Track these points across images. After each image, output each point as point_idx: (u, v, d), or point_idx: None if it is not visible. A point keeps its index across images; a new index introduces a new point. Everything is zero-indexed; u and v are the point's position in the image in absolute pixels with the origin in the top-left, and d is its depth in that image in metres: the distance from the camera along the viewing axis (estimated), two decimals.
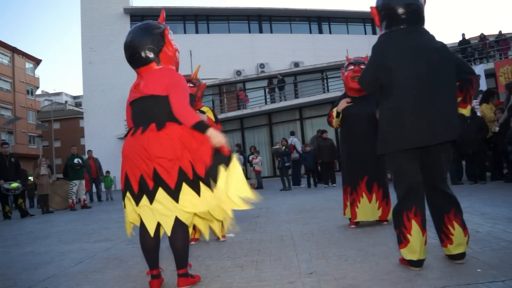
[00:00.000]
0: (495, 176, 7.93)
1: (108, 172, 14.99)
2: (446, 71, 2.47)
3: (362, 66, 4.28)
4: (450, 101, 2.47)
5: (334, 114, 4.32)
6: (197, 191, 2.41)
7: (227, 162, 2.43)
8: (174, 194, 2.40)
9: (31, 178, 14.05)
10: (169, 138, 2.42)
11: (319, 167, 11.41)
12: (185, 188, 2.40)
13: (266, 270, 2.85)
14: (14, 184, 9.48)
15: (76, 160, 11.13)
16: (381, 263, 2.75)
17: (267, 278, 2.66)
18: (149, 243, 2.51)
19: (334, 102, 4.50)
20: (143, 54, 2.57)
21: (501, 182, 7.40)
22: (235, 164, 2.45)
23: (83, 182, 11.41)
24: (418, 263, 2.49)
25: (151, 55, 2.58)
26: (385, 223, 4.25)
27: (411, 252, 2.49)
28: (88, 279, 3.10)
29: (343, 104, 4.26)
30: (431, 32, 2.60)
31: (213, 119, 4.14)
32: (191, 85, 4.09)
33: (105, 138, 23.59)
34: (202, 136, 2.42)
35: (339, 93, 19.06)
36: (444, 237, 2.55)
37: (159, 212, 2.42)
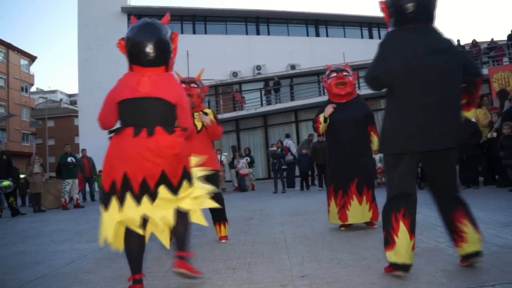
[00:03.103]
0: (488, 181, 7.98)
1: (101, 171, 14.85)
2: (451, 74, 2.39)
3: (345, 73, 4.39)
4: (452, 105, 2.40)
5: (321, 119, 4.37)
6: (191, 183, 2.60)
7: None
8: (175, 190, 2.48)
9: (22, 176, 13.94)
10: (179, 142, 2.48)
11: (315, 170, 11.46)
12: (184, 183, 2.52)
13: (258, 272, 2.85)
14: (6, 182, 9.38)
15: (69, 159, 11.06)
16: (373, 266, 2.75)
17: (259, 280, 2.65)
18: (134, 245, 2.47)
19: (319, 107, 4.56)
20: (160, 55, 2.52)
21: (494, 187, 7.44)
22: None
23: (76, 181, 11.34)
24: (403, 267, 2.39)
25: (165, 58, 2.56)
26: (375, 226, 4.29)
27: (396, 254, 2.40)
28: (79, 279, 3.08)
29: (329, 109, 4.32)
30: (439, 30, 2.50)
31: (215, 121, 4.16)
32: (195, 85, 4.18)
33: (99, 137, 23.15)
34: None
35: None
36: (457, 236, 2.46)
37: (160, 207, 2.45)
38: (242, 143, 20.52)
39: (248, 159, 13.68)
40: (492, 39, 18.40)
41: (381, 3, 2.63)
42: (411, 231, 2.41)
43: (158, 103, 2.48)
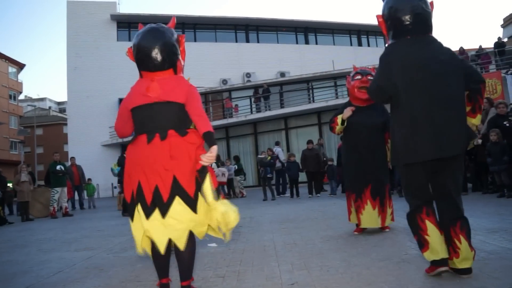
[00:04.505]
0: (476, 187, 8.06)
1: (90, 179, 14.78)
2: (453, 82, 2.45)
3: (369, 77, 4.30)
4: (457, 113, 2.45)
5: (339, 121, 4.34)
6: (205, 200, 2.43)
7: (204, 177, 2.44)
8: (193, 204, 2.35)
9: (10, 184, 13.74)
10: (191, 145, 2.40)
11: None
12: (200, 197, 2.39)
13: (247, 280, 2.84)
14: None
15: (58, 167, 10.93)
16: (363, 273, 2.76)
17: None
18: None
19: (337, 109, 4.55)
20: (167, 59, 2.49)
21: (483, 194, 7.52)
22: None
23: (65, 189, 11.19)
24: (443, 262, 2.44)
25: (172, 61, 2.53)
26: (387, 230, 4.33)
27: (433, 252, 2.46)
28: None
29: (348, 112, 4.29)
30: (439, 40, 2.56)
31: None
32: None
33: (89, 145, 23.27)
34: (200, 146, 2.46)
35: (324, 104, 19.25)
36: (452, 250, 2.48)
37: (172, 228, 2.33)
38: (232, 150, 20.53)
39: (236, 166, 13.70)
40: (480, 46, 18.68)
41: (378, 16, 2.67)
42: (439, 226, 2.49)
43: (168, 106, 2.43)
